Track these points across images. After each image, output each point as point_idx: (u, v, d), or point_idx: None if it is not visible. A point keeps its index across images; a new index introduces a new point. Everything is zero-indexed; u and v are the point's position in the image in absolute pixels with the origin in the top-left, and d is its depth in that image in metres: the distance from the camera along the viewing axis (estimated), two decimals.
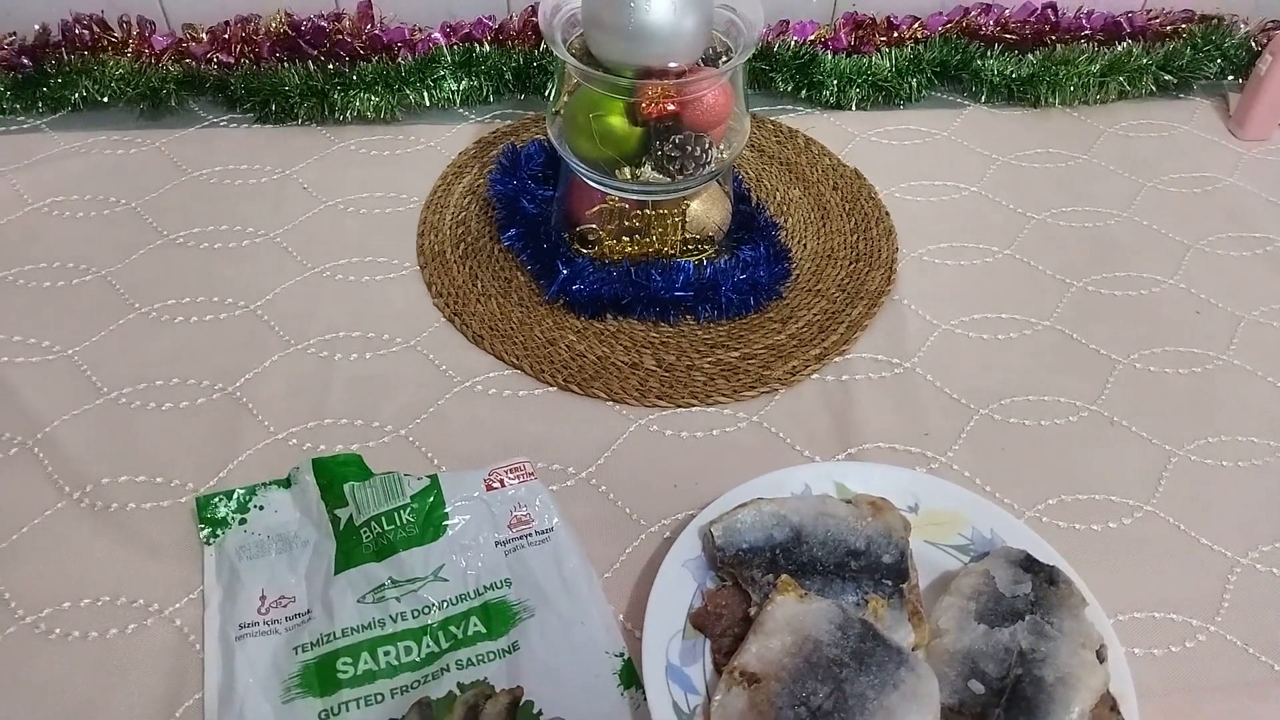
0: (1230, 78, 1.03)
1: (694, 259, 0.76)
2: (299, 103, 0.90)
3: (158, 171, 0.87)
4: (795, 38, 0.99)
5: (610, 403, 0.70)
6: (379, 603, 0.58)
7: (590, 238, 0.76)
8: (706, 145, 0.70)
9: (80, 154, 0.89)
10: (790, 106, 0.98)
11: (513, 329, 0.75)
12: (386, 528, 0.60)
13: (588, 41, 0.68)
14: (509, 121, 0.94)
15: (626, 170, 0.71)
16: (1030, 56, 0.99)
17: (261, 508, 0.63)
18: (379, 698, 0.54)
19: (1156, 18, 1.05)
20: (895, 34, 1.00)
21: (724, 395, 0.71)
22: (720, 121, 0.70)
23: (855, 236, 0.84)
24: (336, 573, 0.59)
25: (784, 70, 0.97)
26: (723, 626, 0.56)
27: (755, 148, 0.92)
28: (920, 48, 0.99)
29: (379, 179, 0.88)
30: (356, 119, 0.92)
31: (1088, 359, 0.75)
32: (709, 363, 0.73)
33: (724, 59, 0.70)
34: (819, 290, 0.79)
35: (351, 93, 0.91)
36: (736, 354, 0.74)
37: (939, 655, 0.53)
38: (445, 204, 0.85)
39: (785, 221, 0.85)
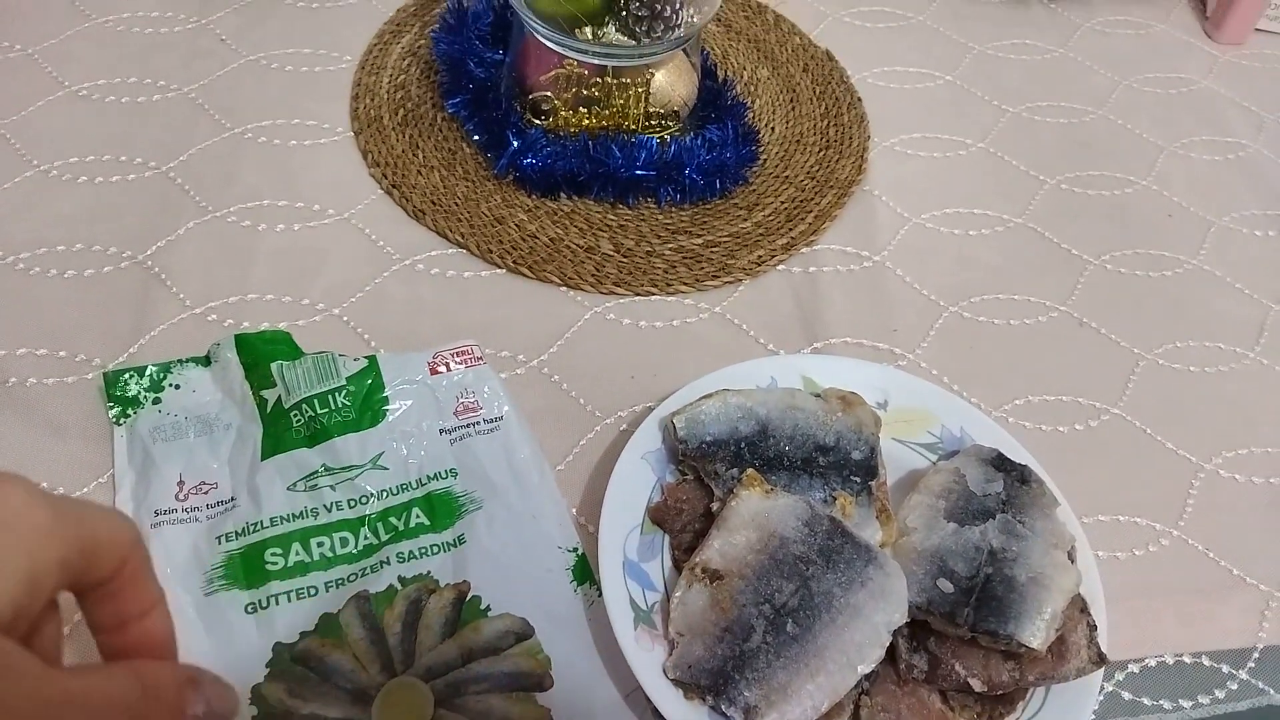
0: None
1: (657, 135, 0.71)
2: None
3: (59, 16, 0.77)
4: None
5: (564, 288, 0.66)
6: (311, 491, 0.53)
7: (545, 107, 0.70)
8: (677, 5, 0.64)
9: None
10: None
11: (457, 204, 0.69)
12: (319, 410, 0.55)
13: None
14: None
15: (588, 30, 0.64)
16: None
17: (178, 386, 0.57)
18: (312, 591, 0.50)
19: None
20: None
21: (685, 284, 0.67)
22: None
23: (825, 122, 0.79)
24: (263, 458, 0.54)
25: None
26: (683, 522, 0.53)
27: (721, 22, 0.86)
28: None
29: (306, 34, 0.79)
30: None
31: (1059, 258, 0.72)
32: (670, 249, 0.68)
33: None
34: (787, 177, 0.74)
35: None
36: (699, 241, 0.69)
37: (906, 553, 0.51)
38: (382, 65, 0.77)
39: (753, 103, 0.79)
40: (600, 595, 0.50)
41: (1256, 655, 0.54)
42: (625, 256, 0.67)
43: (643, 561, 0.51)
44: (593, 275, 0.66)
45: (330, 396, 0.56)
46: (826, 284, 0.68)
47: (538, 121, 0.70)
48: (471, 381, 0.58)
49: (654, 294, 0.66)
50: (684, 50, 0.70)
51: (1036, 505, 0.52)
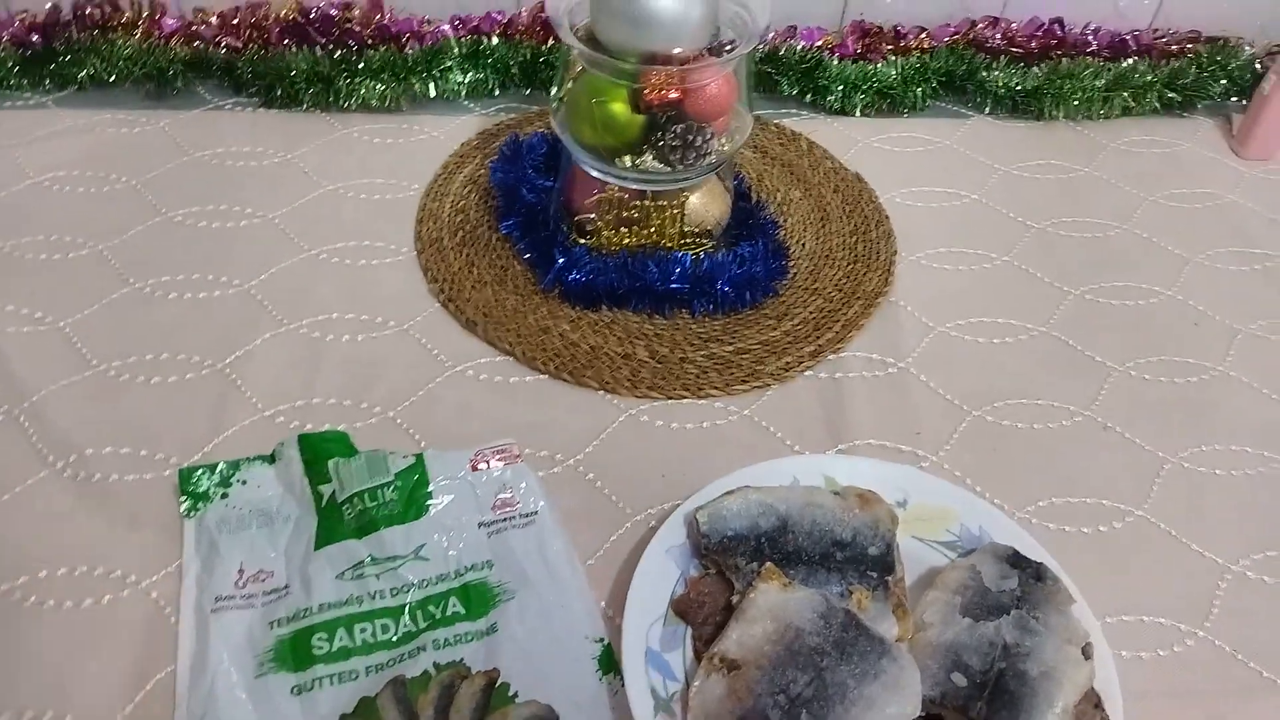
0: (1234, 98, 1.03)
1: (691, 252, 0.76)
2: (304, 88, 0.91)
3: (160, 151, 0.88)
4: (802, 42, 0.99)
5: (601, 392, 0.70)
6: (358, 579, 0.57)
7: (588, 227, 0.76)
8: (708, 136, 0.70)
9: (84, 131, 0.89)
10: (795, 111, 0.98)
11: (507, 316, 0.74)
12: (369, 504, 0.60)
13: (594, 26, 0.68)
14: (513, 115, 0.95)
15: (627, 159, 0.71)
16: (1035, 69, 0.99)
17: (244, 482, 0.62)
18: (353, 675, 0.54)
19: (1163, 37, 1.05)
20: (902, 43, 1.01)
21: (716, 388, 0.71)
22: (723, 112, 0.70)
23: (854, 238, 0.83)
24: (317, 548, 0.59)
25: (789, 74, 0.97)
26: (705, 614, 0.55)
27: (758, 149, 0.92)
28: (926, 57, 0.99)
29: (380, 166, 0.88)
30: (361, 107, 0.92)
31: (1083, 365, 0.74)
32: (702, 356, 0.73)
33: (729, 50, 0.70)
34: (816, 289, 0.79)
35: (357, 80, 0.91)
36: (730, 348, 0.73)
37: (922, 648, 0.53)
38: (445, 192, 0.85)
39: (785, 221, 0.84)
40: (624, 685, 0.52)
41: None
42: (660, 363, 0.72)
43: (665, 652, 0.54)
44: (629, 380, 0.70)
45: (380, 491, 0.60)
46: (852, 389, 0.71)
47: (582, 241, 0.76)
48: (510, 478, 0.62)
49: (686, 397, 0.70)
50: (717, 175, 0.76)
51: (1051, 602, 0.54)
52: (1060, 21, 1.03)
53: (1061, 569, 0.57)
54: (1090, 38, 1.03)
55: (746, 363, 0.72)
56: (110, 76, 0.92)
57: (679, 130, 0.68)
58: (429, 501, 0.61)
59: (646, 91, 0.67)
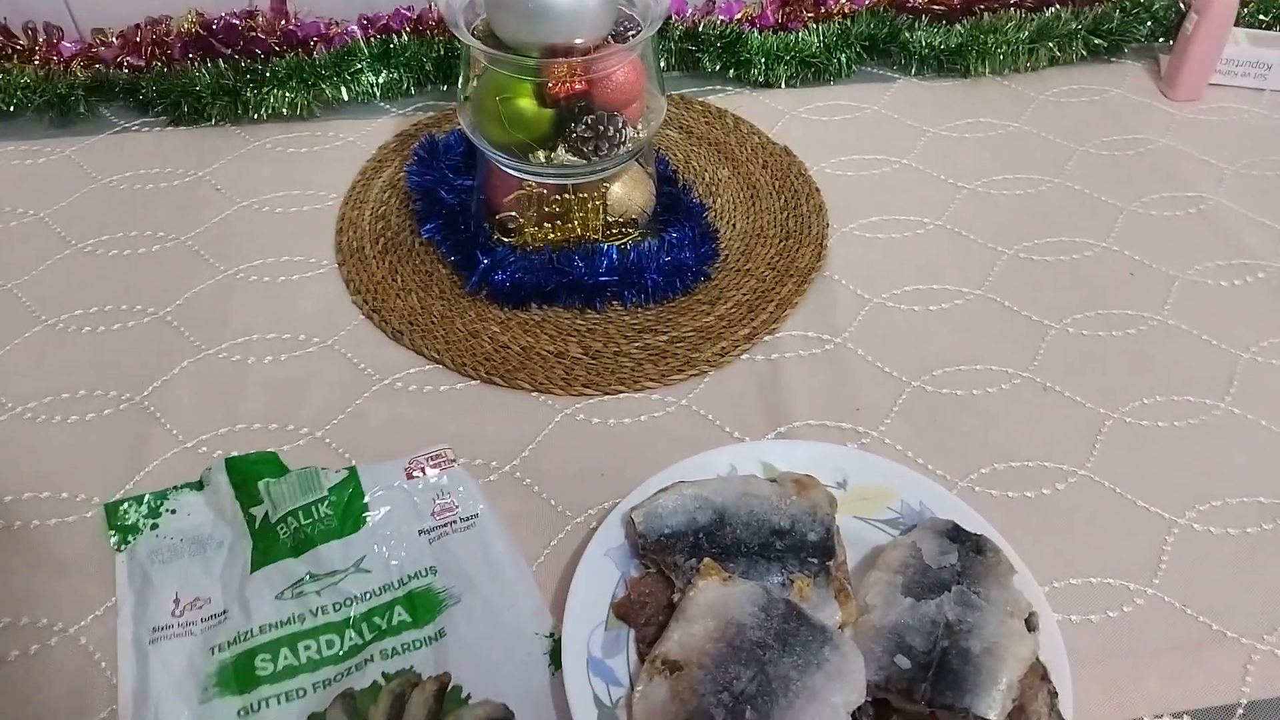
0: (1161, 39, 1.02)
1: (618, 243, 0.75)
2: (211, 102, 0.88)
3: (67, 180, 0.85)
4: (722, 16, 0.97)
5: (535, 393, 0.68)
6: (298, 598, 0.56)
7: (511, 226, 0.74)
8: (621, 124, 0.68)
9: None
10: (719, 87, 0.96)
11: (433, 323, 0.73)
12: (304, 522, 0.59)
13: (491, 23, 0.66)
14: (431, 114, 0.92)
15: (540, 154, 0.69)
16: (958, 26, 0.98)
17: (174, 511, 0.61)
18: (300, 692, 0.53)
19: None
20: (823, 9, 0.99)
21: (652, 380, 0.69)
22: (633, 99, 0.69)
23: (785, 214, 0.82)
24: (253, 571, 0.57)
25: (711, 50, 0.95)
26: (647, 615, 0.54)
27: (683, 129, 0.90)
28: (848, 22, 0.98)
29: (295, 177, 0.85)
30: (272, 117, 0.89)
31: (1020, 326, 0.74)
32: (636, 348, 0.71)
33: (633, 34, 0.68)
34: (748, 270, 0.77)
35: (265, 90, 0.88)
36: (664, 338, 0.72)
37: (866, 632, 0.52)
38: (365, 199, 0.83)
39: (714, 202, 0.83)
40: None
41: (1241, 711, 0.53)
42: (593, 359, 0.70)
43: (607, 657, 0.52)
44: (562, 379, 0.69)
45: (314, 508, 0.59)
46: (789, 370, 0.70)
47: (506, 240, 0.75)
48: (446, 484, 0.61)
49: (622, 392, 0.69)
50: (638, 161, 0.74)
51: (991, 575, 0.53)
52: None
53: (1004, 538, 0.56)
54: None
55: (682, 351, 0.71)
56: (9, 107, 0.88)
57: (590, 121, 0.67)
58: (365, 514, 0.60)
59: (551, 85, 0.65)
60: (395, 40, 0.92)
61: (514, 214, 0.73)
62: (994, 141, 0.91)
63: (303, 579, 0.57)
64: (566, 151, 0.69)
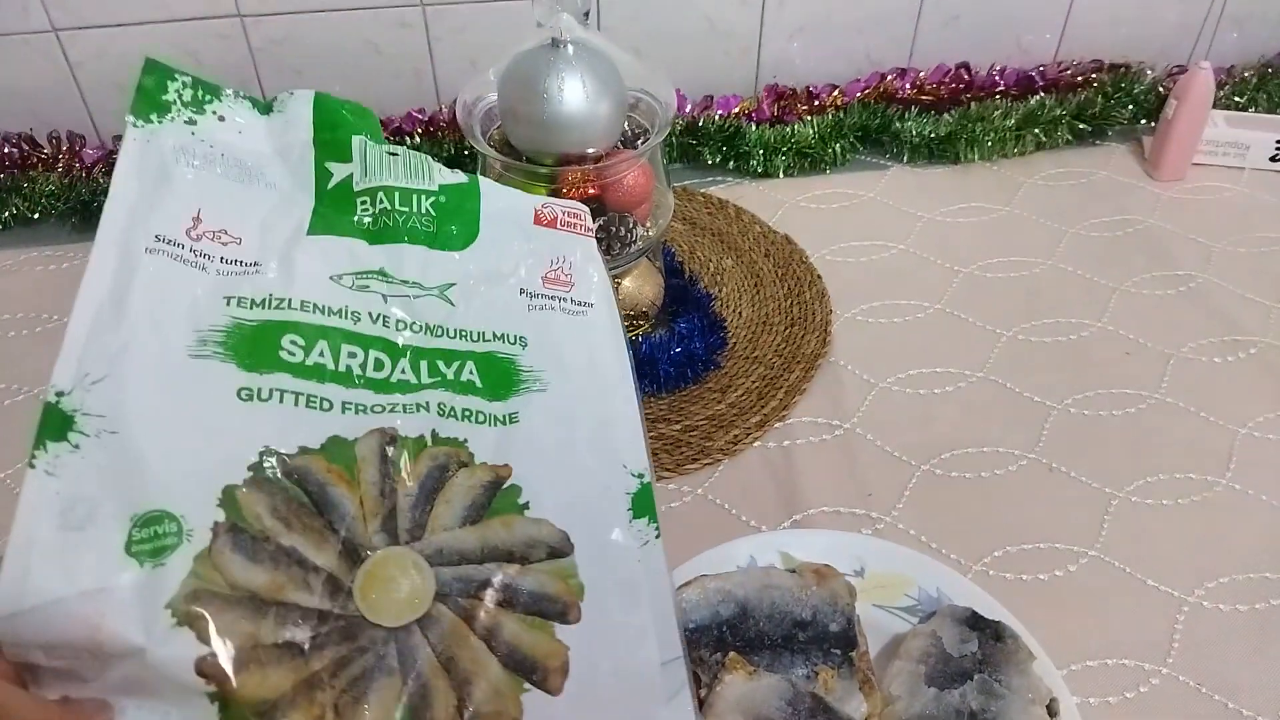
0: (1143, 121, 1.07)
1: (630, 335, 0.77)
2: None
3: None
4: (720, 111, 1.01)
5: None
6: (360, 290, 0.44)
7: None
8: (631, 224, 0.71)
9: (11, 272, 0.88)
10: (719, 178, 1.00)
11: None
12: (398, 206, 0.47)
13: (506, 132, 0.69)
14: None
15: None
16: (947, 116, 1.02)
17: (221, 118, 0.46)
18: (326, 405, 0.41)
19: (1067, 69, 1.09)
20: (816, 102, 1.03)
21: (667, 470, 0.71)
22: (643, 200, 0.72)
23: (789, 301, 0.85)
24: (310, 232, 0.45)
25: (711, 143, 0.99)
26: None
27: (687, 220, 0.94)
28: (841, 114, 1.02)
29: None
30: None
31: (1022, 407, 0.76)
32: (651, 438, 0.73)
33: (641, 139, 0.71)
34: (756, 357, 0.79)
35: None
36: (678, 427, 0.74)
37: None
38: None
39: (719, 291, 0.86)
40: (658, 537, 0.43)
41: None
42: None
43: None
44: None
45: (416, 197, 0.48)
46: (801, 456, 0.72)
47: None
48: (571, 250, 0.51)
49: None
50: (647, 256, 0.77)
51: (1011, 662, 0.54)
52: (966, 66, 1.06)
53: (1020, 622, 0.57)
54: (998, 78, 1.06)
55: (695, 440, 0.73)
56: (34, 214, 0.91)
57: (602, 223, 0.69)
58: (475, 237, 0.48)
59: (565, 190, 0.68)
60: (407, 142, 0.96)
61: None
62: (987, 225, 0.94)
63: (373, 272, 0.45)
64: None
